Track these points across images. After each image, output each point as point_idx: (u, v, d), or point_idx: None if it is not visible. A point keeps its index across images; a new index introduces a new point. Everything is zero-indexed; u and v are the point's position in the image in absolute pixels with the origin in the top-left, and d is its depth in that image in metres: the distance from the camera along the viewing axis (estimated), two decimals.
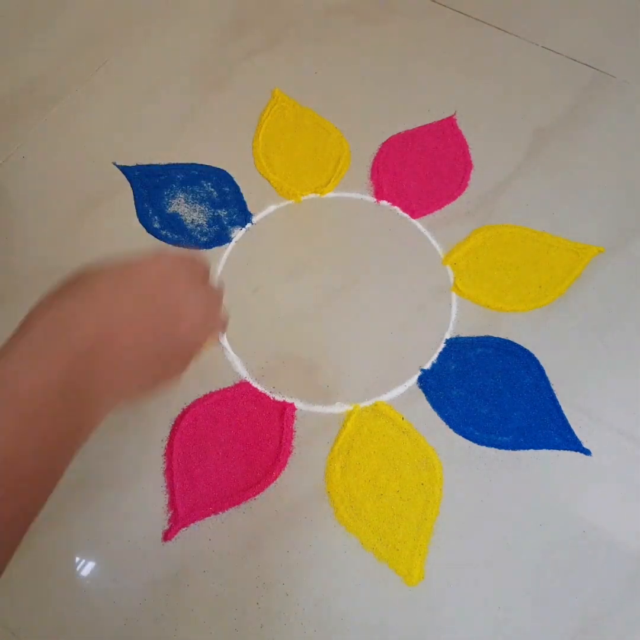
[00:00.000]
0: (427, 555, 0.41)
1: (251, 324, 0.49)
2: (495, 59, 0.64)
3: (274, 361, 0.48)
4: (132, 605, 0.39)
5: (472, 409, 0.46)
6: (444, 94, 0.61)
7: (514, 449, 0.44)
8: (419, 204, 0.55)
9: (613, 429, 0.45)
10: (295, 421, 0.45)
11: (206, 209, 0.54)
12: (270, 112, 0.60)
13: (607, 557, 0.41)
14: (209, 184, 0.56)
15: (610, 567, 0.41)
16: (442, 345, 0.48)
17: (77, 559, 0.41)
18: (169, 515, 0.42)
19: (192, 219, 0.54)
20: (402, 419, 0.45)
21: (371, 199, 0.55)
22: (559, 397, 0.46)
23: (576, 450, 0.44)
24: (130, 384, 0.31)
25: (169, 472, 0.43)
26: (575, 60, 0.63)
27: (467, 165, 0.57)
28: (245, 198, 0.55)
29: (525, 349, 0.48)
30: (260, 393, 0.46)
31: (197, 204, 0.54)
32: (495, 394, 0.46)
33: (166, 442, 0.44)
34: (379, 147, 0.58)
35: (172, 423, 0.45)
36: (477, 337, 0.48)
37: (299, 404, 0.46)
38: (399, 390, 0.46)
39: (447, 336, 0.49)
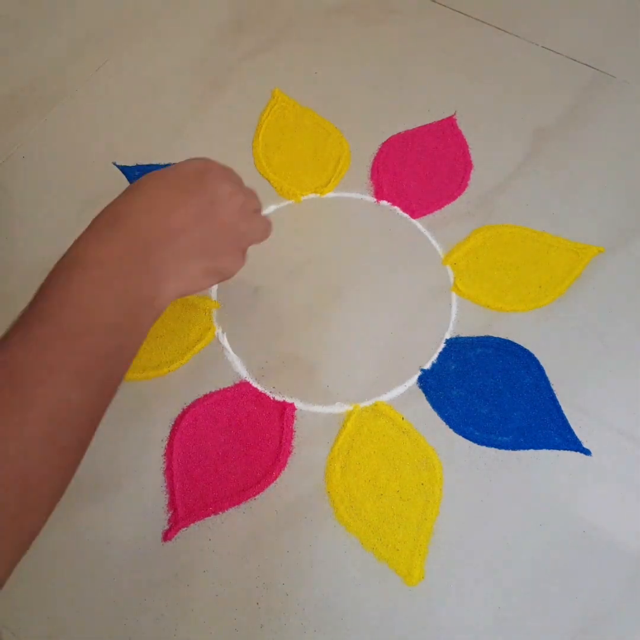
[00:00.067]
0: (427, 555, 0.41)
1: (251, 324, 0.49)
2: (495, 59, 0.64)
3: (274, 361, 0.48)
4: (132, 605, 0.39)
5: (472, 409, 0.46)
6: (444, 94, 0.61)
7: (514, 449, 0.44)
8: (419, 204, 0.55)
9: (613, 429, 0.45)
10: (295, 421, 0.45)
11: None
12: (270, 112, 0.60)
13: (607, 557, 0.41)
14: None
15: (610, 567, 0.41)
16: (442, 345, 0.48)
17: (77, 558, 0.41)
18: (169, 515, 0.42)
19: None
20: (402, 419, 0.45)
21: (371, 199, 0.55)
22: (559, 397, 0.46)
23: (576, 450, 0.44)
24: (186, 269, 0.35)
25: (169, 472, 0.43)
26: (575, 60, 0.63)
27: (467, 165, 0.57)
28: None
29: (525, 349, 0.48)
30: (260, 393, 0.46)
31: None
32: (495, 394, 0.46)
33: (166, 442, 0.44)
34: (379, 147, 0.58)
35: (172, 423, 0.45)
36: (477, 337, 0.49)
37: (299, 404, 0.46)
38: (399, 390, 0.46)
39: (447, 336, 0.49)
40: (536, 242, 0.53)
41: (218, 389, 0.46)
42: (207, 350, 0.48)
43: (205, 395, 0.46)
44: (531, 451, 0.44)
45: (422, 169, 0.57)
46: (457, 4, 0.67)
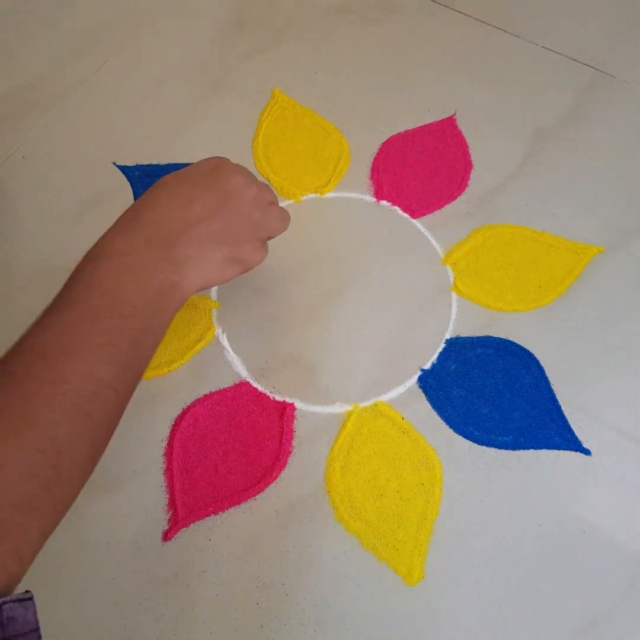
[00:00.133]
0: (427, 555, 0.41)
1: (251, 324, 0.49)
2: (495, 59, 0.64)
3: (274, 361, 0.48)
4: (132, 605, 0.39)
5: (472, 409, 0.46)
6: (444, 94, 0.61)
7: (514, 449, 0.44)
8: (419, 204, 0.55)
9: (613, 429, 0.45)
10: (295, 421, 0.45)
11: None
12: (270, 112, 0.60)
13: (607, 557, 0.41)
14: None
15: (610, 567, 0.41)
16: (442, 345, 0.48)
17: (77, 558, 0.41)
18: (169, 515, 0.42)
19: None
20: (402, 419, 0.45)
21: (371, 199, 0.55)
22: (559, 397, 0.46)
23: (576, 450, 0.44)
24: (206, 257, 0.37)
25: (169, 472, 0.43)
26: (575, 60, 0.63)
27: (467, 165, 0.57)
28: None
29: (525, 349, 0.48)
30: (260, 393, 0.46)
31: None
32: (495, 394, 0.46)
33: (166, 442, 0.44)
34: (379, 147, 0.58)
35: (172, 423, 0.45)
36: (477, 337, 0.49)
37: (299, 404, 0.46)
38: (399, 390, 0.46)
39: (447, 336, 0.49)
40: (536, 242, 0.53)
41: (218, 389, 0.46)
42: (207, 350, 0.48)
43: (205, 395, 0.46)
44: (531, 451, 0.44)
45: (422, 169, 0.57)
46: (457, 4, 0.67)
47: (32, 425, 0.28)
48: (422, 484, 0.43)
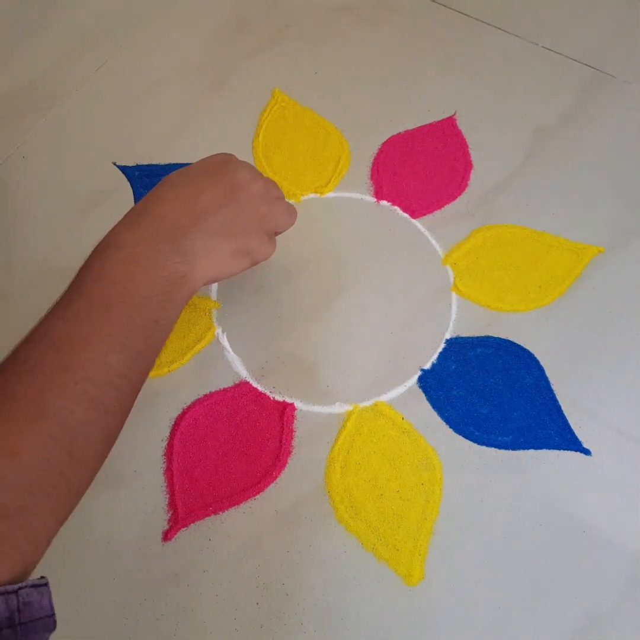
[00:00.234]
0: (427, 555, 0.41)
1: (251, 324, 0.49)
2: (495, 59, 0.64)
3: (274, 361, 0.48)
4: (132, 605, 0.39)
5: (472, 409, 0.46)
6: (444, 94, 0.61)
7: (514, 449, 0.44)
8: (419, 204, 0.55)
9: (613, 429, 0.45)
10: (295, 421, 0.45)
11: None
12: (270, 112, 0.60)
13: (607, 557, 0.41)
14: None
15: (610, 567, 0.41)
16: (442, 345, 0.48)
17: (77, 558, 0.41)
18: (169, 515, 0.42)
19: None
20: (402, 419, 0.45)
21: (371, 199, 0.55)
22: (559, 397, 0.46)
23: (576, 450, 0.44)
24: (214, 249, 0.38)
25: (169, 472, 0.43)
26: (575, 60, 0.63)
27: (467, 165, 0.57)
28: None
29: (525, 349, 0.48)
30: (260, 393, 0.46)
31: None
32: (495, 394, 0.46)
33: (166, 442, 0.44)
34: (379, 147, 0.58)
35: (172, 423, 0.45)
36: (477, 337, 0.49)
37: (299, 404, 0.46)
38: (399, 390, 0.46)
39: (447, 336, 0.49)
40: (536, 242, 0.53)
41: (218, 389, 0.46)
42: (207, 350, 0.48)
43: (205, 395, 0.46)
44: (531, 451, 0.44)
45: (422, 169, 0.57)
46: (457, 4, 0.67)
47: (46, 413, 0.28)
48: (422, 484, 0.43)
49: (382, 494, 0.43)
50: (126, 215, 0.37)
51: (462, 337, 0.49)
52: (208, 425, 0.45)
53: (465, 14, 0.67)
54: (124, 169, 0.56)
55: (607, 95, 0.61)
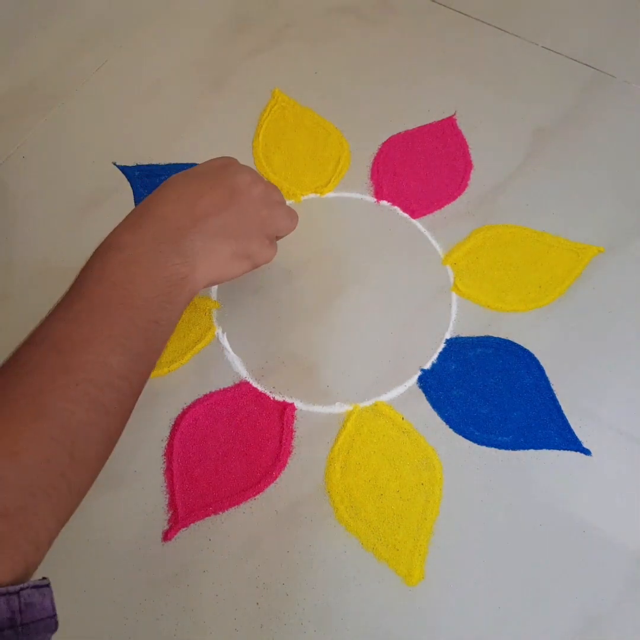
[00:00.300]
0: (427, 555, 0.41)
1: (251, 324, 0.49)
2: (495, 59, 0.64)
3: (274, 361, 0.48)
4: (132, 605, 0.39)
5: (472, 409, 0.46)
6: (444, 94, 0.61)
7: (514, 449, 0.44)
8: (419, 204, 0.55)
9: (613, 429, 0.45)
10: (295, 421, 0.45)
11: None
12: (270, 112, 0.60)
13: (607, 557, 0.41)
14: None
15: (610, 567, 0.41)
16: (442, 345, 0.48)
17: (77, 558, 0.41)
18: (169, 515, 0.42)
19: None
20: (402, 419, 0.45)
21: (371, 199, 0.55)
22: (559, 397, 0.46)
23: (576, 450, 0.44)
24: (214, 251, 0.38)
25: (169, 472, 0.43)
26: (575, 60, 0.63)
27: (467, 165, 0.57)
28: None
29: (525, 349, 0.48)
30: (260, 393, 0.46)
31: None
32: (495, 394, 0.46)
33: (166, 442, 0.44)
34: (379, 147, 0.58)
35: (172, 423, 0.45)
36: (477, 337, 0.48)
37: (299, 404, 0.46)
38: (399, 390, 0.46)
39: (447, 336, 0.49)
40: (536, 242, 0.53)
41: (218, 389, 0.46)
42: (207, 350, 0.48)
43: (205, 395, 0.46)
44: (531, 451, 0.44)
45: (422, 169, 0.57)
46: (457, 4, 0.67)
47: (47, 414, 0.29)
48: (422, 484, 0.43)
49: (382, 494, 0.43)
50: (127, 217, 0.37)
51: (462, 337, 0.49)
52: (208, 425, 0.45)
53: (465, 14, 0.67)
54: (124, 169, 0.56)
55: (607, 95, 0.61)
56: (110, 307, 0.32)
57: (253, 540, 0.41)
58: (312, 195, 0.55)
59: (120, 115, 0.60)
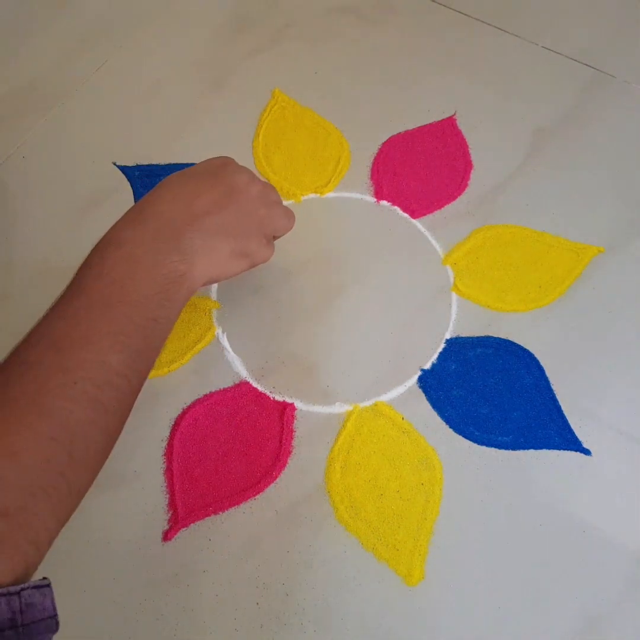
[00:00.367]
0: (427, 555, 0.41)
1: (251, 324, 0.49)
2: (495, 59, 0.64)
3: (274, 361, 0.48)
4: (132, 605, 0.39)
5: (472, 409, 0.46)
6: (444, 94, 0.61)
7: (514, 449, 0.44)
8: (419, 204, 0.55)
9: (613, 429, 0.45)
10: (295, 421, 0.45)
11: None
12: (270, 112, 0.60)
13: (607, 557, 0.41)
14: None
15: (610, 567, 0.41)
16: (442, 345, 0.48)
17: (77, 559, 0.41)
18: (169, 515, 0.42)
19: None
20: (402, 419, 0.45)
21: (371, 199, 0.55)
22: (559, 397, 0.46)
23: (576, 450, 0.44)
24: (213, 248, 0.38)
25: (169, 472, 0.43)
26: (575, 60, 0.63)
27: (467, 165, 0.57)
28: None
29: (525, 349, 0.48)
30: (260, 393, 0.46)
31: None
32: (495, 394, 0.46)
33: (166, 442, 0.44)
34: (379, 147, 0.58)
35: (172, 423, 0.45)
36: (477, 337, 0.49)
37: (299, 404, 0.46)
38: (399, 390, 0.46)
39: (447, 336, 0.49)
40: (536, 242, 0.53)
41: (218, 389, 0.46)
42: (207, 350, 0.48)
43: (205, 395, 0.46)
44: (531, 451, 0.44)
45: (422, 169, 0.57)
46: (457, 4, 0.67)
47: (46, 413, 0.28)
48: (422, 484, 0.43)
49: (382, 494, 0.43)
50: (126, 214, 0.38)
51: (462, 337, 0.49)
52: (208, 425, 0.45)
53: (465, 14, 0.67)
54: (124, 169, 0.56)
55: (607, 95, 0.61)
56: (109, 304, 0.32)
57: (253, 540, 0.41)
58: (312, 195, 0.55)
59: (120, 115, 0.60)
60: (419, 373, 0.47)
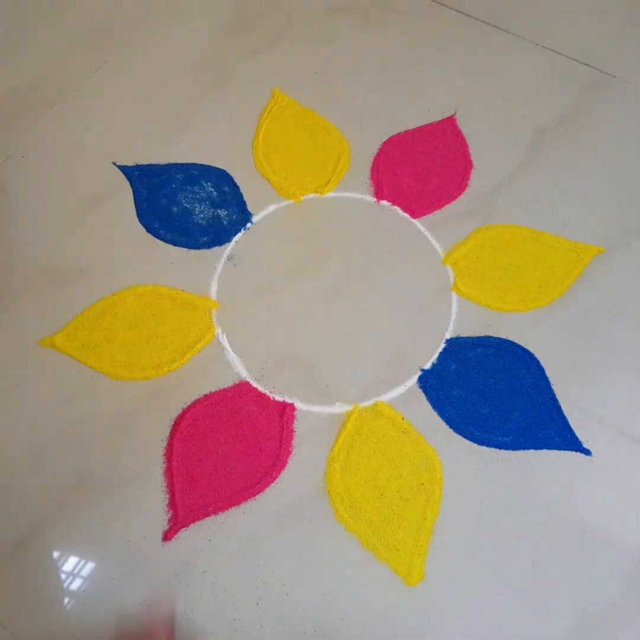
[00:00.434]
0: (427, 556, 0.41)
1: (251, 324, 0.49)
2: (495, 59, 0.64)
3: (274, 361, 0.48)
4: (132, 605, 0.39)
5: (472, 409, 0.46)
6: (444, 94, 0.61)
7: (514, 449, 0.44)
8: (419, 204, 0.55)
9: (613, 429, 0.45)
10: (295, 421, 0.45)
11: (206, 209, 0.54)
12: (270, 112, 0.60)
13: (607, 557, 0.41)
14: (209, 184, 0.56)
15: (609, 566, 0.41)
16: (442, 345, 0.48)
17: (77, 559, 0.41)
18: (169, 515, 0.42)
19: (192, 219, 0.54)
20: (402, 419, 0.45)
21: (371, 199, 0.55)
22: (559, 397, 0.46)
23: (576, 450, 0.44)
24: None
25: (169, 472, 0.43)
26: (575, 60, 0.63)
27: (467, 165, 0.57)
28: (245, 198, 0.55)
29: (525, 349, 0.48)
30: (260, 393, 0.46)
31: (197, 204, 0.54)
32: (495, 394, 0.46)
33: (166, 442, 0.44)
34: (379, 147, 0.58)
35: (172, 423, 0.45)
36: (477, 337, 0.48)
37: (299, 404, 0.46)
38: (399, 390, 0.46)
39: (447, 336, 0.49)
40: (536, 242, 0.53)
41: (218, 389, 0.46)
42: (207, 350, 0.48)
43: (205, 395, 0.46)
44: (531, 451, 0.44)
45: (422, 169, 0.57)
46: (457, 4, 0.67)
47: None
48: (422, 484, 0.43)
49: (382, 494, 0.43)
50: None
51: (462, 337, 0.49)
52: (208, 425, 0.45)
53: (465, 14, 0.67)
54: (124, 169, 0.56)
55: (607, 95, 0.61)
56: None
57: (253, 540, 0.41)
58: (312, 195, 0.55)
59: (119, 115, 0.60)
60: (419, 373, 0.47)
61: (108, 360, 0.46)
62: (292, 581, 0.40)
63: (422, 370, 0.47)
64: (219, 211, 0.54)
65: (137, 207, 0.54)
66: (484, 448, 0.44)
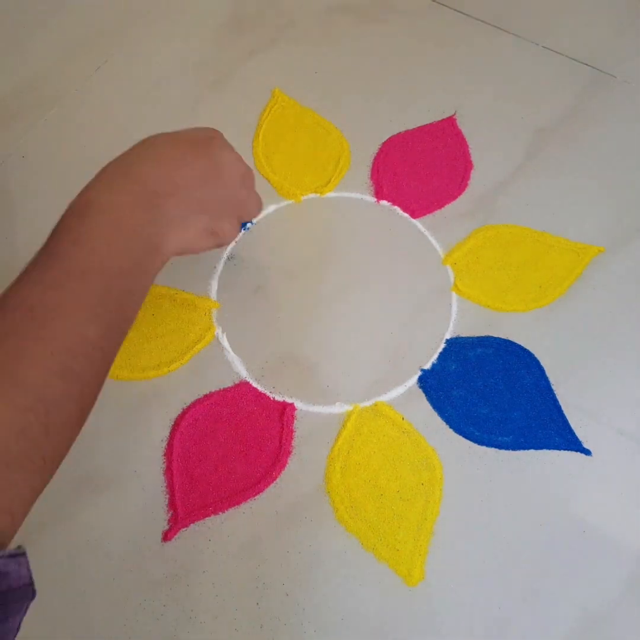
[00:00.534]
0: (427, 556, 0.41)
1: (251, 324, 0.49)
2: (495, 59, 0.64)
3: (274, 361, 0.48)
4: (132, 605, 0.39)
5: (473, 409, 0.46)
6: (444, 94, 0.61)
7: (514, 449, 0.44)
8: (419, 204, 0.55)
9: (613, 429, 0.45)
10: (295, 421, 0.45)
11: None
12: (270, 112, 0.60)
13: (607, 557, 0.41)
14: None
15: (610, 567, 0.41)
16: (442, 345, 0.48)
17: (77, 559, 0.41)
18: (169, 515, 0.42)
19: None
20: (402, 419, 0.45)
21: (371, 199, 0.55)
22: (559, 397, 0.46)
23: (576, 450, 0.44)
24: (188, 223, 0.37)
25: (169, 472, 0.43)
26: (575, 60, 0.63)
27: (467, 165, 0.57)
28: None
29: (525, 349, 0.48)
30: (260, 393, 0.46)
31: None
32: (495, 394, 0.46)
33: (166, 442, 0.44)
34: (379, 147, 0.58)
35: (172, 423, 0.45)
36: (477, 337, 0.48)
37: (299, 404, 0.46)
38: (399, 390, 0.46)
39: (447, 336, 0.49)
40: (536, 242, 0.53)
41: (218, 389, 0.46)
42: (207, 350, 0.48)
43: (205, 395, 0.46)
44: (531, 451, 0.44)
45: (422, 169, 0.57)
46: (457, 4, 0.67)
47: (21, 384, 0.28)
48: (422, 484, 0.43)
49: (382, 494, 0.43)
50: (105, 172, 0.36)
51: (462, 337, 0.49)
52: (208, 425, 0.45)
53: (465, 14, 0.67)
54: None
55: (607, 95, 0.61)
56: (86, 273, 0.32)
57: (253, 540, 0.41)
58: (312, 195, 0.55)
59: (119, 115, 0.60)
60: (419, 373, 0.47)
61: None
62: (292, 581, 0.40)
63: (422, 370, 0.47)
64: None
65: None
66: (484, 448, 0.44)
